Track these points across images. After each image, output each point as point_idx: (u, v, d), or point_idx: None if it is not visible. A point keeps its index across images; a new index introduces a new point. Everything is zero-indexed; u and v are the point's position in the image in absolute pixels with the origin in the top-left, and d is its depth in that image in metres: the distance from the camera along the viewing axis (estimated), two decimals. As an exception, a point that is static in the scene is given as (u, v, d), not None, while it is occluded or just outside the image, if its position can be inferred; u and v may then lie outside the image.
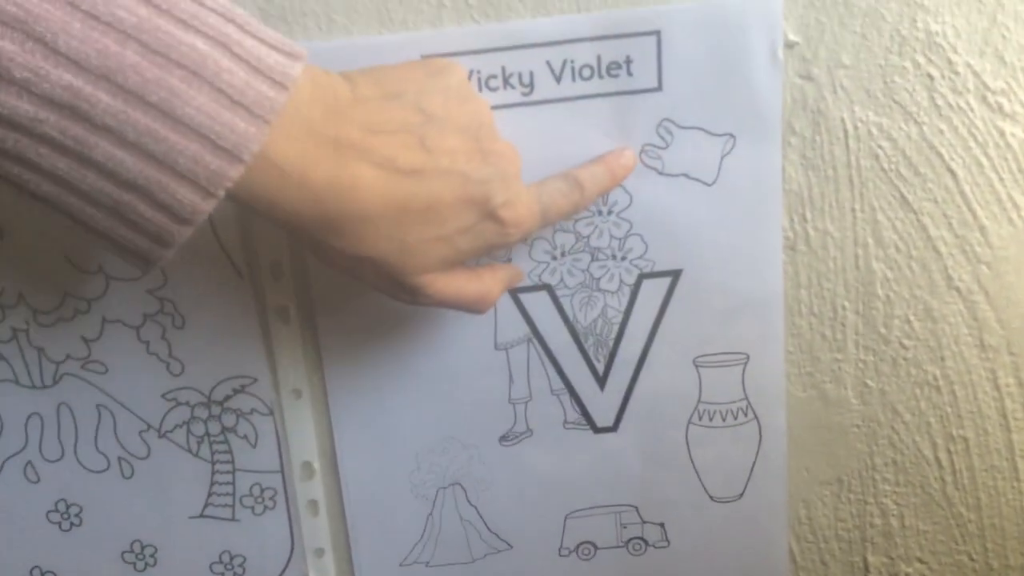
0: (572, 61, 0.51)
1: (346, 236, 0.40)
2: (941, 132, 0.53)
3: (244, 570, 0.60)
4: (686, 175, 0.53)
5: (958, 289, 0.56)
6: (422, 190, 0.41)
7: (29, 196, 0.35)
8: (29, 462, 0.57)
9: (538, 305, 0.56)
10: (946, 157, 0.54)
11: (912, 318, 0.57)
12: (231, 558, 0.59)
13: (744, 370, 0.57)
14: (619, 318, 0.56)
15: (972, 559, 0.63)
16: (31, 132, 0.33)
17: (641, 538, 0.61)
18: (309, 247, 0.42)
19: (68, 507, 0.58)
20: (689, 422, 0.58)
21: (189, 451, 0.57)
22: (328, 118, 0.39)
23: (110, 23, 0.32)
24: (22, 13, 0.31)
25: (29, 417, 0.56)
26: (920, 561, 0.63)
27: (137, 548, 0.59)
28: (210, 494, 0.58)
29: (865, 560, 0.63)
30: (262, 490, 0.58)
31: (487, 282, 0.48)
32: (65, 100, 0.32)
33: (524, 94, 0.51)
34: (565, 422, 0.58)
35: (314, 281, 0.54)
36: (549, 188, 0.49)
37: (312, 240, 0.41)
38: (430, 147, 0.41)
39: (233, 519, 0.58)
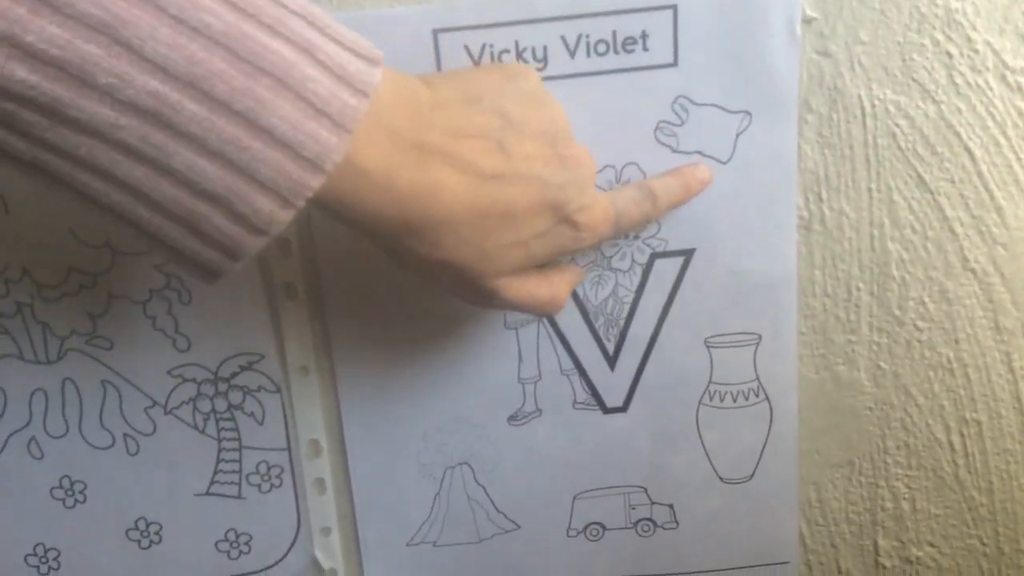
0: (587, 36, 0.50)
1: (426, 240, 0.40)
2: (959, 111, 0.52)
3: (250, 548, 0.59)
4: (700, 153, 0.52)
5: (973, 271, 0.56)
6: (502, 195, 0.41)
7: (95, 205, 0.34)
8: (33, 438, 0.57)
9: (549, 284, 0.55)
10: (964, 136, 0.53)
11: (927, 300, 0.56)
12: (237, 536, 0.59)
13: (756, 351, 0.56)
14: (630, 297, 0.55)
15: (983, 543, 0.63)
16: (108, 138, 0.32)
17: (650, 519, 0.60)
18: (386, 250, 0.42)
19: (72, 484, 0.58)
20: (700, 403, 0.58)
21: (195, 428, 0.56)
22: (410, 123, 0.38)
23: (197, 28, 0.31)
24: (109, 17, 0.30)
25: (33, 393, 0.56)
26: (931, 545, 0.63)
27: (142, 525, 0.59)
28: (216, 471, 0.57)
29: (875, 543, 0.62)
30: (268, 468, 0.57)
31: (556, 284, 0.47)
32: (149, 106, 0.31)
33: (538, 69, 0.50)
34: (575, 402, 0.58)
35: (322, 258, 0.54)
36: (623, 196, 0.48)
37: (390, 244, 0.40)
38: (509, 152, 0.41)
39: (239, 497, 0.58)
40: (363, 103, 0.35)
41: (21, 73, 0.30)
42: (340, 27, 0.36)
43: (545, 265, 0.47)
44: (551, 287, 0.47)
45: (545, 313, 0.48)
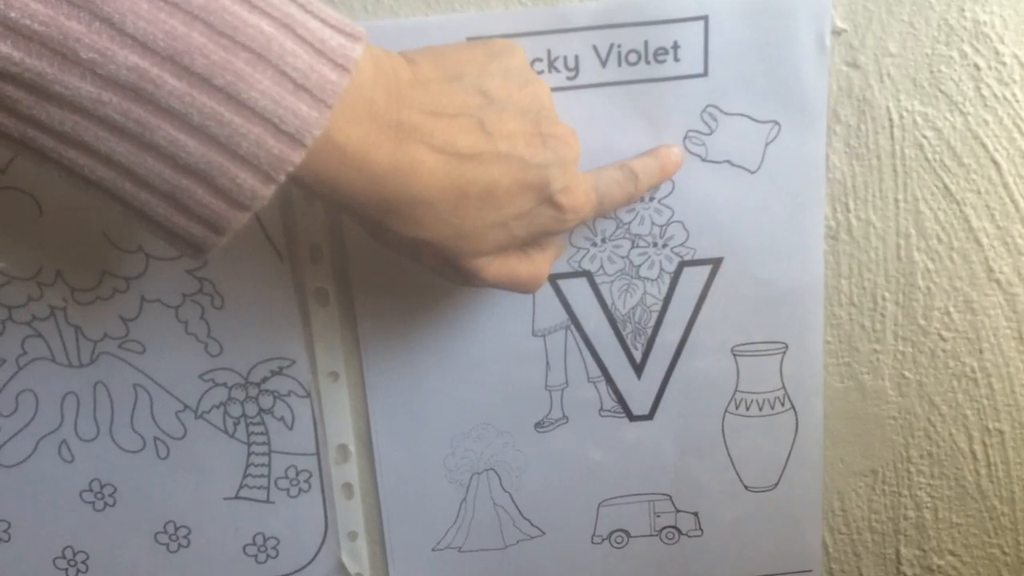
0: (619, 45, 0.50)
1: (405, 219, 0.40)
2: (986, 123, 0.53)
3: (277, 552, 0.60)
4: (730, 162, 0.53)
5: (998, 281, 0.56)
6: (481, 175, 0.41)
7: (81, 181, 0.34)
8: (64, 441, 0.57)
9: (577, 292, 0.55)
10: (990, 148, 0.53)
11: (952, 309, 0.57)
12: (264, 540, 0.59)
13: (782, 360, 0.57)
14: (658, 306, 0.56)
15: (1004, 552, 0.63)
16: (92, 114, 0.32)
17: (674, 527, 0.60)
18: (367, 228, 0.42)
19: (102, 487, 0.58)
20: (726, 411, 0.58)
21: (225, 432, 0.57)
22: (390, 101, 0.38)
23: (177, 4, 0.32)
24: None
25: (65, 396, 0.56)
26: (952, 554, 0.63)
27: (171, 529, 0.59)
28: (245, 476, 0.58)
29: (898, 552, 0.63)
30: (297, 472, 0.58)
31: (537, 262, 0.47)
32: (130, 82, 0.32)
33: (569, 78, 0.51)
34: (601, 410, 0.58)
35: (353, 264, 0.54)
36: (605, 177, 0.49)
37: (370, 222, 0.41)
38: (490, 131, 0.41)
39: (268, 501, 0.58)
40: (344, 78, 0.35)
41: (5, 49, 0.30)
42: (321, 5, 0.36)
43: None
44: (532, 265, 0.47)
45: (526, 291, 0.48)
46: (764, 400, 0.58)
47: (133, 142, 0.33)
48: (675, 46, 0.50)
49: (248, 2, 0.33)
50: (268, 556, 0.60)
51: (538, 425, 0.58)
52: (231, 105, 0.33)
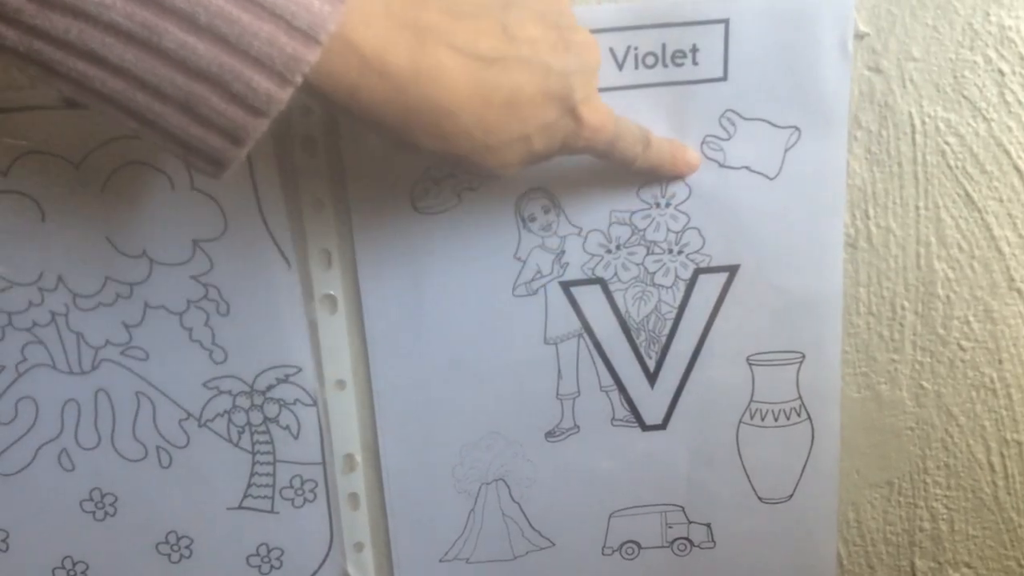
0: (636, 48, 0.49)
1: (429, 132, 0.38)
2: (1009, 129, 0.52)
3: (281, 563, 0.58)
4: (748, 168, 0.52)
5: (1019, 290, 0.55)
6: (505, 80, 0.39)
7: (93, 95, 0.33)
8: (64, 449, 0.56)
9: (590, 299, 0.54)
10: (1013, 155, 0.52)
11: (972, 319, 0.56)
12: (268, 551, 0.58)
13: (799, 369, 0.56)
14: (673, 314, 0.55)
15: (1020, 565, 0.62)
16: (97, 20, 0.31)
17: (687, 538, 0.59)
18: (393, 144, 0.40)
19: (103, 496, 0.57)
20: (740, 421, 0.57)
21: (229, 441, 0.56)
22: (407, 0, 0.37)
23: None
24: None
25: (66, 403, 0.55)
26: (968, 566, 0.62)
27: (172, 539, 0.58)
28: (249, 485, 0.57)
29: (912, 564, 0.62)
30: (303, 482, 0.57)
31: None
32: None
33: (585, 81, 0.50)
34: (613, 419, 0.57)
35: (362, 271, 0.53)
36: (624, 120, 0.47)
37: (395, 136, 0.39)
38: (512, 34, 0.39)
39: (272, 511, 0.57)
40: None
41: None
42: None
43: None
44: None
45: None
46: (780, 410, 0.57)
47: (141, 48, 0.32)
48: (694, 49, 0.49)
49: None
50: (272, 567, 0.58)
51: (549, 434, 0.57)
52: (239, 2, 0.32)
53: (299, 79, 0.34)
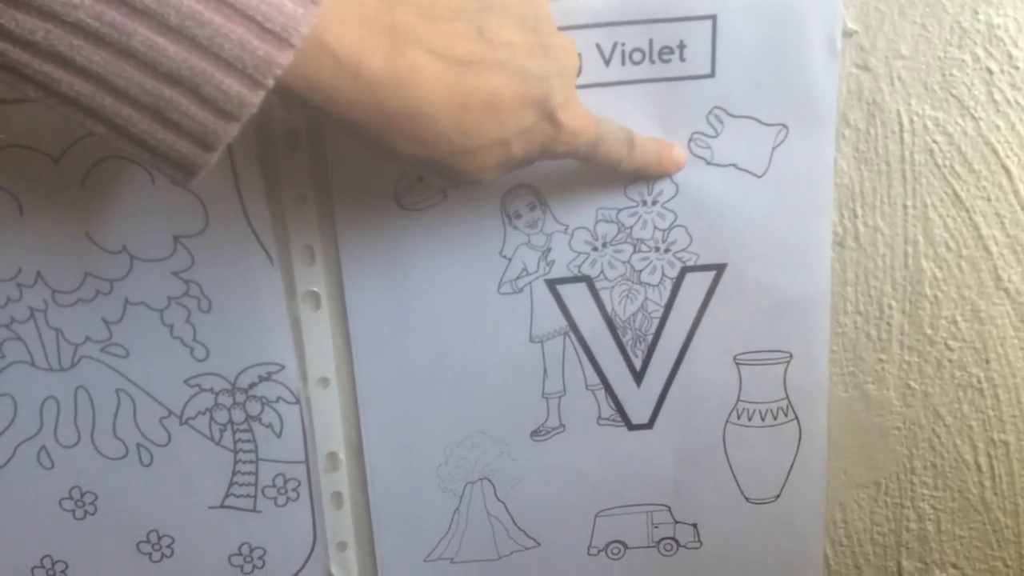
0: (623, 44, 0.49)
1: (406, 136, 0.38)
2: (997, 128, 0.52)
3: (264, 563, 0.58)
4: (735, 166, 0.51)
5: (1006, 290, 0.55)
6: (482, 83, 0.38)
7: (60, 99, 0.32)
8: (43, 447, 0.55)
9: (576, 297, 0.54)
10: (1001, 154, 0.52)
11: (959, 319, 0.55)
12: (251, 550, 0.57)
13: (786, 369, 0.55)
14: (659, 312, 0.54)
15: (1007, 565, 0.62)
16: (64, 20, 0.30)
17: (673, 538, 0.59)
18: (371, 149, 0.39)
19: (83, 494, 0.56)
20: (727, 421, 0.57)
21: (211, 439, 0.55)
22: (383, 1, 0.36)
23: None
24: None
25: (45, 400, 0.54)
26: (954, 567, 0.62)
27: (153, 538, 0.57)
28: (231, 484, 0.56)
29: (899, 564, 0.61)
30: (285, 481, 0.56)
31: None
32: None
33: (572, 77, 0.49)
34: (599, 418, 0.56)
35: (346, 268, 0.52)
36: (607, 123, 0.46)
37: (372, 141, 0.38)
38: (489, 37, 0.39)
39: (254, 510, 0.57)
40: None
41: None
42: None
43: None
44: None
45: None
46: (767, 410, 0.56)
47: (110, 49, 0.31)
48: (681, 45, 0.49)
49: None
50: (254, 566, 0.58)
51: (534, 434, 0.56)
52: (210, 3, 0.31)
53: (271, 82, 0.33)
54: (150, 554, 0.57)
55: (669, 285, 0.54)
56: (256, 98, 0.33)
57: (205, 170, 0.35)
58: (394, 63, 0.36)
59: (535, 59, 0.40)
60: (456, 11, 0.38)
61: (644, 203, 0.52)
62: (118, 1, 0.31)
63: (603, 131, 0.45)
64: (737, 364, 0.55)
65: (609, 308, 0.54)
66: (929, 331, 0.56)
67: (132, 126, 0.33)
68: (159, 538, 0.57)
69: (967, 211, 0.53)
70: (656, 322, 0.54)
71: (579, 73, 0.44)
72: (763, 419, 0.56)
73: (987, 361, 0.56)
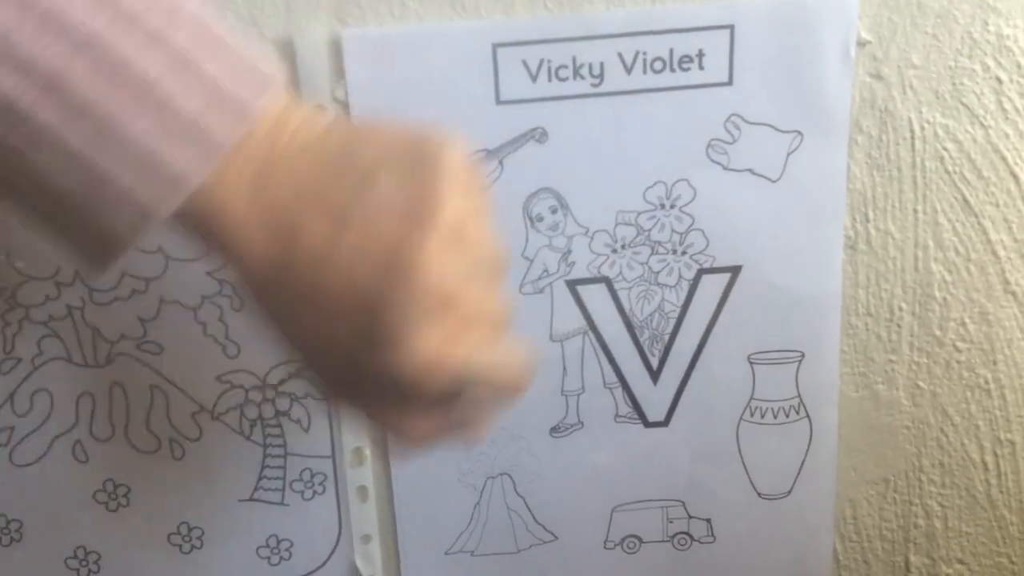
0: (644, 53, 0.50)
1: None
2: (1007, 136, 0.53)
3: (291, 555, 0.59)
4: (751, 171, 0.53)
5: (1014, 293, 0.56)
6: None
7: None
8: (78, 441, 0.57)
9: (596, 297, 0.55)
10: (1010, 161, 0.54)
11: (967, 321, 0.57)
12: (278, 542, 0.59)
13: (798, 368, 0.57)
14: (676, 313, 0.56)
15: (1012, 561, 0.63)
16: None
17: (687, 533, 0.61)
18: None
19: (116, 487, 0.58)
20: (741, 419, 0.58)
21: (241, 434, 0.57)
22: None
23: (62, 31, 0.29)
24: None
25: (80, 396, 0.56)
26: (960, 562, 0.63)
27: (184, 530, 0.59)
28: (260, 478, 0.58)
29: (907, 560, 0.63)
30: (312, 475, 0.58)
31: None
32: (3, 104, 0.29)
33: (594, 85, 0.51)
34: (616, 415, 0.58)
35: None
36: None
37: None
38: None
39: (282, 503, 0.58)
40: (239, 128, 0.31)
41: None
42: (232, 46, 0.32)
43: None
44: None
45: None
46: (779, 408, 0.58)
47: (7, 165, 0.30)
48: (700, 54, 0.51)
49: (149, 34, 0.30)
50: (281, 558, 0.59)
51: (553, 430, 0.58)
52: (103, 145, 0.30)
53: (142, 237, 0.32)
54: (180, 545, 0.59)
55: (686, 286, 0.55)
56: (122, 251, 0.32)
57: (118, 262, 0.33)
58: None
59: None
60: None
61: (662, 207, 0.54)
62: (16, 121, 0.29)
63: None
64: (751, 363, 0.57)
65: (627, 308, 0.56)
66: (938, 333, 0.57)
67: (38, 226, 0.33)
68: (189, 530, 0.59)
69: (976, 216, 0.55)
70: (673, 322, 0.56)
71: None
72: (775, 417, 0.58)
73: (994, 362, 0.58)
